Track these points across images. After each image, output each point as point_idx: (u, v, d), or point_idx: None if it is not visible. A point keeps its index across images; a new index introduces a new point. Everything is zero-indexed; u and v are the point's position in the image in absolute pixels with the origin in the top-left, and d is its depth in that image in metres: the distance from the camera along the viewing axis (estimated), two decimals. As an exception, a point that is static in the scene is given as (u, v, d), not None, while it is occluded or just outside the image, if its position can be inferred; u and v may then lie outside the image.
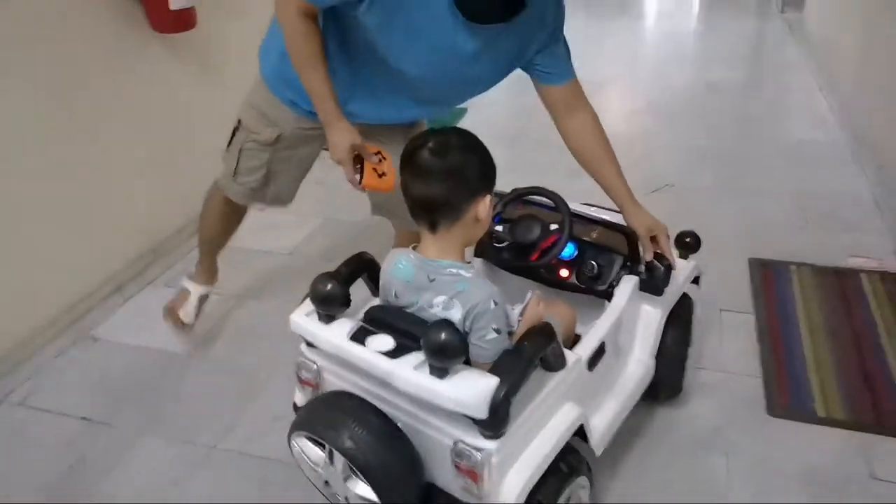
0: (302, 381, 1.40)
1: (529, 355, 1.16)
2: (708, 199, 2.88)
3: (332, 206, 2.81)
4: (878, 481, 1.58)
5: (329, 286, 1.23)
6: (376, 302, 1.36)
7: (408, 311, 1.24)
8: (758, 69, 4.65)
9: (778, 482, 1.59)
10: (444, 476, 1.20)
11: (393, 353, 1.15)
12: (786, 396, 1.82)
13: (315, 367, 1.34)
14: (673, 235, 1.63)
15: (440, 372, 1.09)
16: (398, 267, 1.27)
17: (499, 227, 1.58)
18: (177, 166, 2.55)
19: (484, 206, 1.22)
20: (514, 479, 1.16)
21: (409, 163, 1.20)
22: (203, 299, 2.04)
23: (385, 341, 1.17)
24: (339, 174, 1.50)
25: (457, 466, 1.15)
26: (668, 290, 1.55)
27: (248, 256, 2.57)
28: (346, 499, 1.23)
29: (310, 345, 1.34)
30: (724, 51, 4.99)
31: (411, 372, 1.12)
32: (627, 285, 1.52)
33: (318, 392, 1.36)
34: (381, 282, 1.32)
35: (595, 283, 1.55)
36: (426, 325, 1.12)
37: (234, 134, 1.76)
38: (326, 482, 1.26)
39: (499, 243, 1.59)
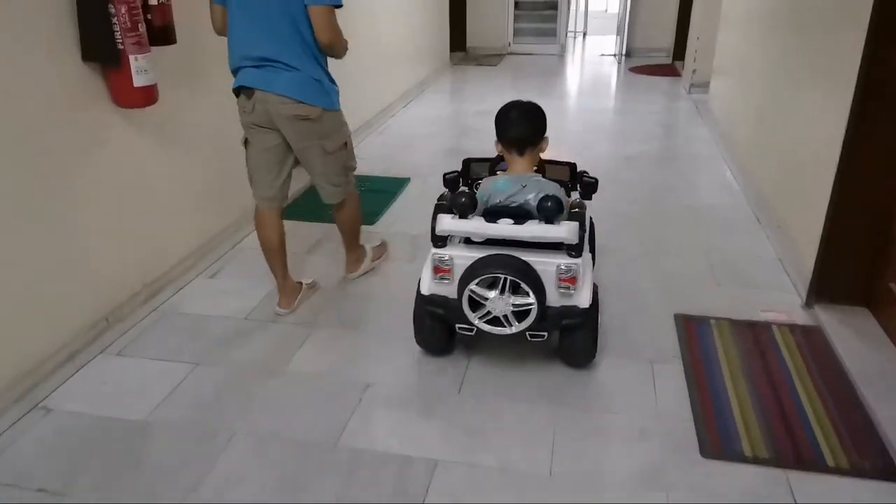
0: (439, 271, 2.16)
1: (584, 211, 2.19)
2: (632, 260, 3.14)
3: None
4: (800, 512, 1.77)
5: (464, 199, 2.07)
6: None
7: (510, 205, 2.14)
8: (670, 143, 5.13)
9: (713, 516, 1.75)
10: (551, 293, 2.09)
11: (517, 223, 2.06)
12: (716, 438, 2.01)
13: (448, 257, 2.12)
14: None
15: (550, 222, 2.04)
16: (497, 185, 2.19)
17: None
18: (135, 233, 2.60)
19: (546, 142, 2.25)
20: (587, 283, 2.15)
21: (508, 117, 2.21)
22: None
23: (507, 221, 2.07)
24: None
25: (560, 279, 2.08)
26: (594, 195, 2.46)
27: (204, 321, 2.62)
28: (506, 316, 2.09)
29: (438, 246, 2.14)
30: (640, 128, 5.47)
31: (536, 226, 2.05)
32: (575, 195, 2.48)
33: (451, 276, 2.14)
34: (483, 198, 2.18)
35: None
36: (524, 208, 2.11)
37: (345, 150, 2.59)
38: (487, 313, 2.10)
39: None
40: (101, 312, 2.46)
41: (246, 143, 2.50)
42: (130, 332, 2.55)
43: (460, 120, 5.87)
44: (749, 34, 4.32)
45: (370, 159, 4.73)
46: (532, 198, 2.09)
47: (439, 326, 2.26)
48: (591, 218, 2.59)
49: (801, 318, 2.66)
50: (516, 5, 9.09)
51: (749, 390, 2.22)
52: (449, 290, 2.15)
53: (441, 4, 7.61)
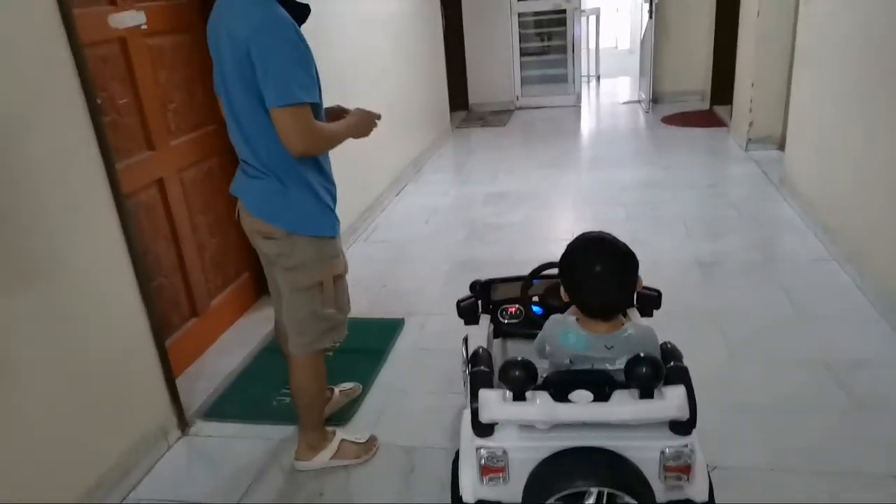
0: (490, 471, 1.48)
1: (685, 366, 1.48)
2: None
3: None
4: None
5: (518, 371, 1.40)
6: None
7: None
8: (751, 236, 3.79)
9: None
10: (654, 487, 1.44)
11: (598, 400, 1.41)
12: None
13: (501, 452, 1.47)
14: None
15: (650, 393, 1.39)
16: (568, 341, 1.54)
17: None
18: None
19: (640, 282, 1.60)
20: (701, 467, 1.49)
21: (589, 276, 1.49)
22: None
23: (585, 395, 1.41)
24: None
25: (666, 469, 1.44)
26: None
27: None
28: None
29: (481, 435, 1.46)
30: (701, 209, 4.25)
31: (631, 403, 1.40)
32: (634, 314, 1.86)
33: (506, 476, 1.48)
34: (546, 349, 1.60)
35: None
36: (604, 373, 1.48)
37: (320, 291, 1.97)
38: None
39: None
40: None
41: None
42: None
43: (468, 211, 4.67)
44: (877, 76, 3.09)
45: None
46: (622, 364, 1.46)
47: None
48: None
49: None
50: (522, 52, 8.01)
51: None
52: (505, 493, 1.52)
53: (436, 58, 6.51)
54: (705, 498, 1.49)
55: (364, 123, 1.99)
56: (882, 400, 2.28)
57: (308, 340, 2.01)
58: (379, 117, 2.04)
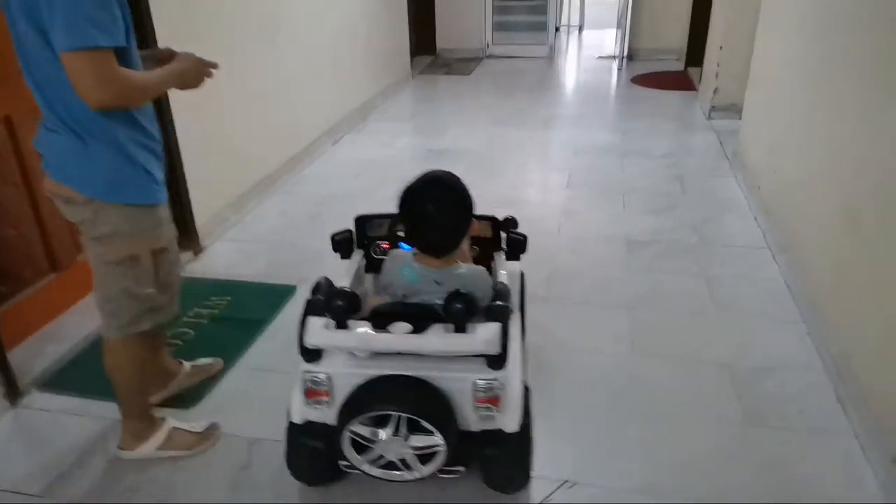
0: (314, 394, 1.60)
1: (507, 306, 1.58)
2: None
3: None
4: None
5: (341, 301, 1.50)
6: None
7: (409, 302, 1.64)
8: (690, 214, 3.49)
9: None
10: (467, 415, 1.57)
11: (415, 332, 1.50)
12: None
13: (324, 377, 1.57)
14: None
15: (463, 328, 1.48)
16: (403, 273, 1.66)
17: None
18: None
19: (474, 227, 1.72)
20: (513, 401, 1.60)
21: (418, 215, 1.61)
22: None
23: (404, 326, 1.50)
24: None
25: (477, 400, 1.54)
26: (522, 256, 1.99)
27: None
28: (403, 459, 1.56)
29: (308, 361, 1.56)
30: (647, 181, 3.95)
31: (442, 336, 1.49)
32: (501, 257, 1.97)
33: (331, 399, 1.58)
34: (383, 281, 1.73)
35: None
36: (428, 307, 1.56)
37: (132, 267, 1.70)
38: (379, 457, 1.56)
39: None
40: None
41: None
42: None
43: (405, 167, 4.35)
44: (833, 45, 2.78)
45: (246, 244, 3.27)
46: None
47: (321, 460, 1.71)
48: (522, 274, 2.11)
49: None
50: (497, -7, 7.54)
51: None
52: (328, 415, 1.61)
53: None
54: (515, 429, 1.60)
55: (191, 72, 1.70)
56: (777, 416, 2.07)
57: (120, 323, 1.77)
58: (214, 66, 1.73)
